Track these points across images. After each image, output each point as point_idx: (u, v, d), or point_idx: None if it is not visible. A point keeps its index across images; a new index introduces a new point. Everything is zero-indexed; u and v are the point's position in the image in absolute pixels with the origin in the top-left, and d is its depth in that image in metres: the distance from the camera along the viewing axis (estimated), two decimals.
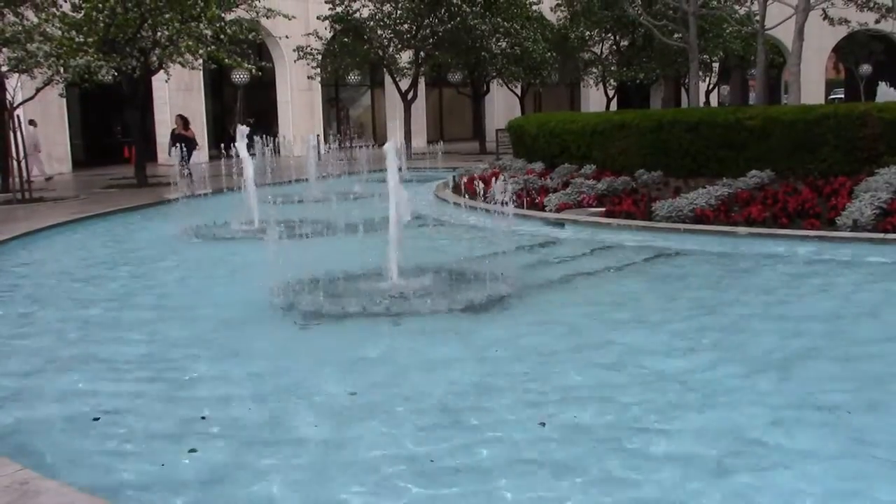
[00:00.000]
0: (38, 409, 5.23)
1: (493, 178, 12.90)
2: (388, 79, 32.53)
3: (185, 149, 21.18)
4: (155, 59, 20.82)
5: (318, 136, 30.10)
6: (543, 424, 4.75)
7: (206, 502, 3.99)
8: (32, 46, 16.73)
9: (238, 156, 13.68)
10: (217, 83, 33.63)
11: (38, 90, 18.54)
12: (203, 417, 4.99)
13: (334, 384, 5.52)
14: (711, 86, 41.64)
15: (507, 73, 31.89)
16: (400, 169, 8.32)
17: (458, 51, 30.66)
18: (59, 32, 17.30)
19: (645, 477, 4.07)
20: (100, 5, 18.24)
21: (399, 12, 29.10)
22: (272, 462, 4.35)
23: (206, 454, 4.46)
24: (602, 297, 7.91)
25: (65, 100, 24.83)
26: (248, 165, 13.46)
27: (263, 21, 24.07)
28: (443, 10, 28.55)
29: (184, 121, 22.00)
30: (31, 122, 24.44)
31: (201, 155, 22.36)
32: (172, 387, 5.61)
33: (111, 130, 30.90)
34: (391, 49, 29.96)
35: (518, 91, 35.74)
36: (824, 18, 25.82)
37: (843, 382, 5.33)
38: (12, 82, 18.51)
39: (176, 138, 21.53)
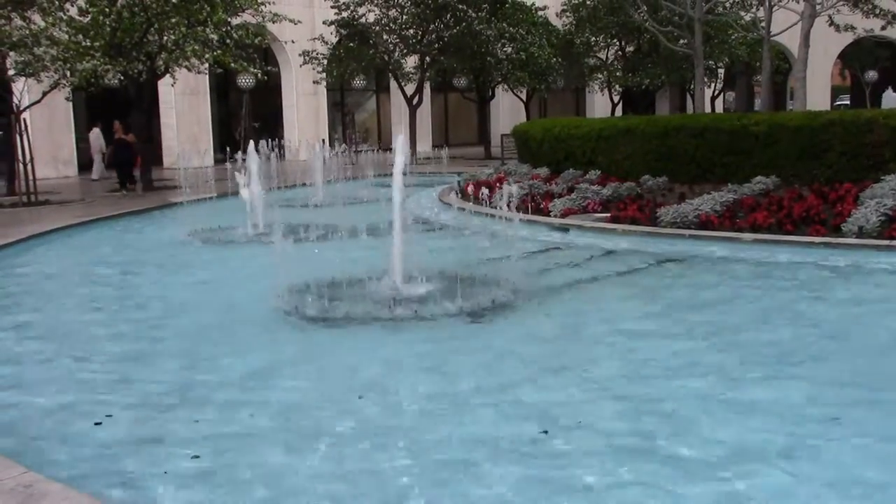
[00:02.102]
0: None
1: (498, 184, 12.91)
2: (393, 84, 32.57)
3: (124, 154, 20.72)
4: (161, 63, 20.86)
5: (323, 140, 30.15)
6: (546, 432, 4.75)
7: None
8: (39, 50, 16.78)
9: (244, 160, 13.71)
10: (223, 87, 33.69)
11: (44, 94, 18.59)
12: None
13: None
14: (717, 92, 41.62)
15: (513, 78, 31.89)
16: (405, 174, 8.31)
17: (463, 56, 30.69)
18: (66, 36, 17.35)
19: None
20: (106, 9, 18.31)
21: (405, 17, 29.15)
22: None
23: None
24: (605, 303, 7.90)
25: (71, 104, 24.88)
26: (253, 170, 13.49)
27: (269, 26, 24.11)
28: (448, 16, 28.58)
29: (124, 126, 21.46)
30: (97, 126, 25.37)
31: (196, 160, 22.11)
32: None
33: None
34: (397, 54, 30.00)
35: (523, 96, 35.76)
36: (830, 25, 25.82)
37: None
38: (19, 86, 18.56)
39: (117, 143, 21.16)
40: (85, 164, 27.76)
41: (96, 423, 5.01)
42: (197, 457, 4.46)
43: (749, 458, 4.29)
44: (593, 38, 34.38)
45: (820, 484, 4.02)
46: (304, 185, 20.00)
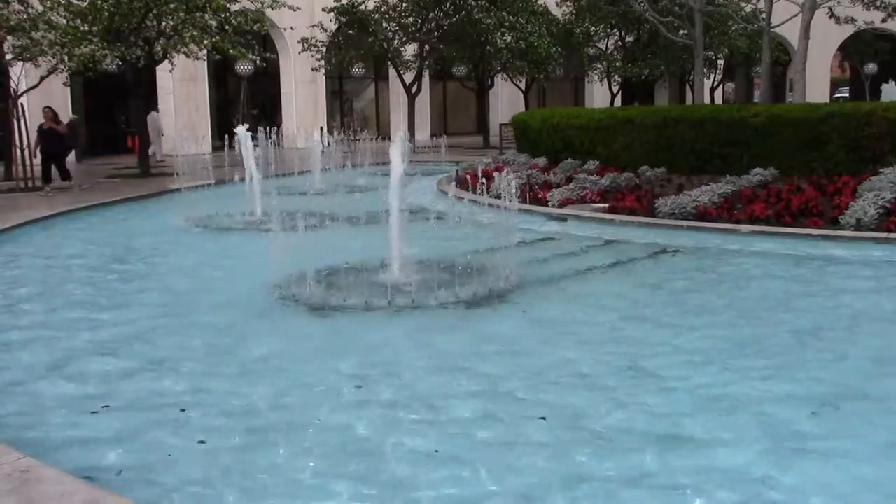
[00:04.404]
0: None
1: (497, 173, 12.89)
2: (392, 72, 32.48)
3: (53, 146, 17.88)
4: (159, 49, 20.77)
5: (321, 128, 30.12)
6: (544, 419, 4.76)
7: None
8: (37, 35, 16.70)
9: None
10: (221, 74, 33.58)
11: (42, 79, 18.52)
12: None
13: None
14: (716, 83, 41.57)
15: (512, 67, 31.81)
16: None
17: (462, 44, 30.60)
18: (64, 21, 17.26)
19: None
20: None
21: (404, 5, 29.05)
22: None
23: None
24: (602, 294, 7.91)
25: (69, 89, 24.80)
26: (250, 159, 13.47)
27: (268, 12, 24.00)
28: (448, 4, 28.49)
29: (53, 114, 18.35)
30: (155, 110, 25.30)
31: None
32: None
33: (115, 120, 30.87)
34: (396, 42, 29.91)
35: (522, 86, 35.68)
36: (830, 17, 25.72)
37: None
38: (16, 71, 18.48)
39: (44, 134, 18.05)
40: (83, 151, 27.71)
41: (93, 412, 5.02)
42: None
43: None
44: (593, 28, 34.28)
45: None
46: (301, 172, 19.95)
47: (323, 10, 29.53)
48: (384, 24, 29.36)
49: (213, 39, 20.30)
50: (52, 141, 17.94)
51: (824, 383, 5.31)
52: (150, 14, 19.48)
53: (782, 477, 4.01)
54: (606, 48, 35.54)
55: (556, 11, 35.28)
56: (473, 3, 28.19)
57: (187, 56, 21.62)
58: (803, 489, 3.91)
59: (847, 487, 3.94)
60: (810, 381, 5.36)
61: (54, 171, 17.63)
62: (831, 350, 6.04)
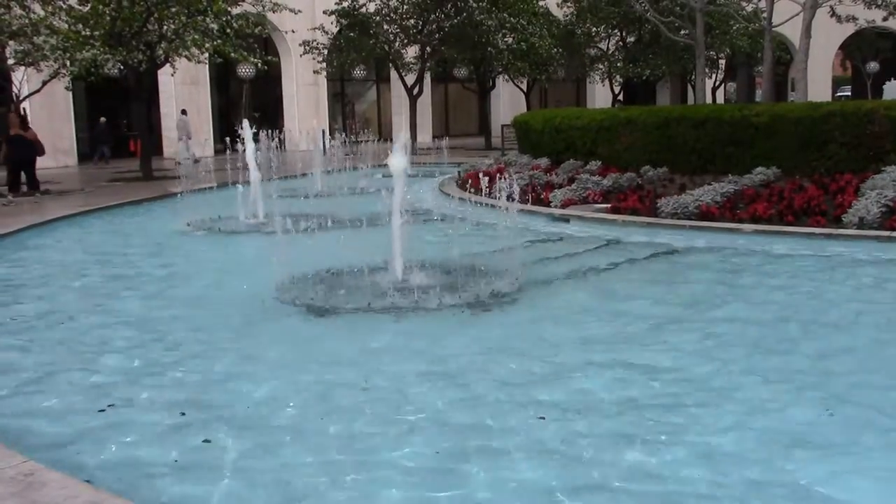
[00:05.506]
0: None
1: (498, 174, 12.92)
2: (393, 74, 32.53)
3: (22, 153, 17.03)
4: (161, 52, 20.83)
5: (323, 130, 30.17)
6: (543, 418, 4.77)
7: None
8: (39, 39, 16.77)
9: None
10: (223, 77, 33.65)
11: (44, 83, 18.59)
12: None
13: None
14: (718, 83, 41.54)
15: (513, 68, 31.84)
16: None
17: (464, 46, 30.64)
18: (66, 26, 17.34)
19: None
20: None
21: (405, 7, 29.11)
22: None
23: None
24: (605, 293, 7.90)
25: (71, 93, 24.88)
26: (253, 161, 13.50)
27: (269, 15, 24.09)
28: (449, 6, 28.54)
29: (21, 119, 17.27)
30: (183, 112, 25.54)
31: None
32: None
33: (117, 124, 30.93)
34: (397, 44, 29.95)
35: (524, 87, 35.71)
36: (832, 16, 25.73)
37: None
38: (18, 75, 18.54)
39: (11, 141, 17.06)
40: (85, 154, 27.81)
41: (100, 411, 5.04)
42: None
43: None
44: (594, 29, 34.30)
45: None
46: (304, 175, 19.97)
47: (324, 12, 29.60)
48: (385, 27, 29.42)
49: (215, 43, 20.35)
50: (21, 147, 17.13)
51: None
52: (152, 18, 19.54)
53: None
54: (608, 49, 35.55)
55: (557, 12, 35.31)
56: (474, 4, 28.21)
57: (189, 59, 21.67)
58: None
59: None
60: None
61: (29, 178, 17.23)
62: None
